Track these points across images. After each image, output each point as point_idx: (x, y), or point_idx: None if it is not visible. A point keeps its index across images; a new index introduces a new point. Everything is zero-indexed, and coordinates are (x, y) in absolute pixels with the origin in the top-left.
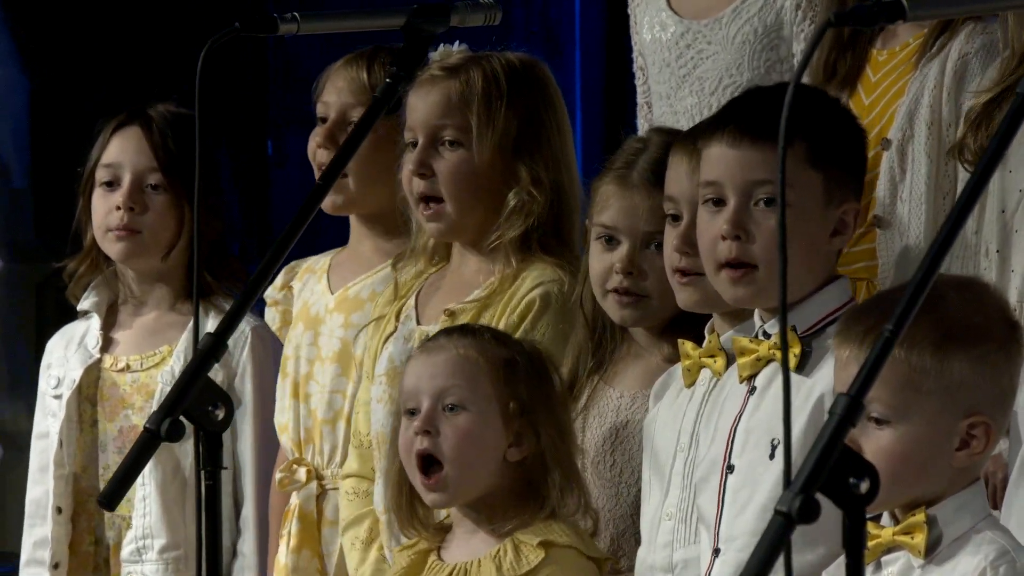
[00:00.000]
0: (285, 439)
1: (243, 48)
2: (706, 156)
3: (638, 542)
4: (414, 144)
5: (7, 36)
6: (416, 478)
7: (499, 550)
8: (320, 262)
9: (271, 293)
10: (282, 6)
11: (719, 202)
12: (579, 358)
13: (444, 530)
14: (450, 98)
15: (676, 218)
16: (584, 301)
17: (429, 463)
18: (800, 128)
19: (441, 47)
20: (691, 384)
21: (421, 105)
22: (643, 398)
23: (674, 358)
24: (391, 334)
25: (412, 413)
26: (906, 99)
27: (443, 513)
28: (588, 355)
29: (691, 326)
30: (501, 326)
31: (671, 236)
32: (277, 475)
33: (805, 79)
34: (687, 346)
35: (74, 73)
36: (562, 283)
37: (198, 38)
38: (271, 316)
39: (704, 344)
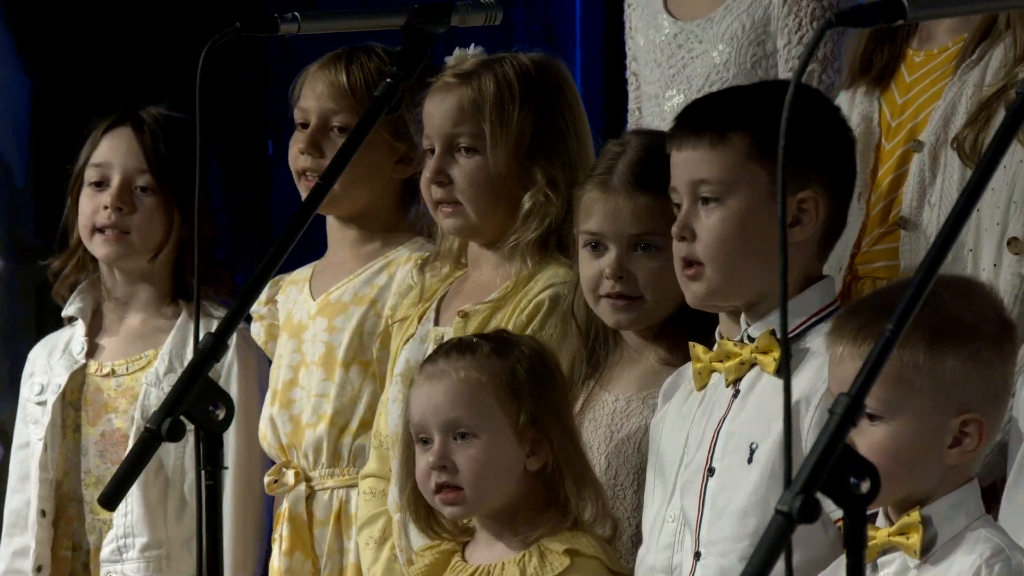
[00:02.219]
0: (264, 445)
1: (243, 48)
2: (670, 162)
3: (635, 544)
4: (432, 151)
5: (7, 35)
6: (434, 501)
7: (524, 555)
8: (302, 273)
9: (256, 308)
10: (282, 6)
11: (679, 207)
12: (573, 365)
13: (467, 531)
14: (463, 105)
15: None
16: (577, 309)
17: (448, 488)
18: (740, 122)
19: (456, 51)
20: (702, 387)
21: (436, 112)
22: (638, 401)
23: (668, 360)
24: (412, 336)
25: (425, 443)
26: (943, 103)
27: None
28: (582, 362)
29: (684, 328)
30: (510, 326)
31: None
32: (265, 479)
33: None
34: (698, 349)
35: (75, 72)
36: (573, 285)
37: (198, 38)
38: (256, 330)
39: (715, 348)
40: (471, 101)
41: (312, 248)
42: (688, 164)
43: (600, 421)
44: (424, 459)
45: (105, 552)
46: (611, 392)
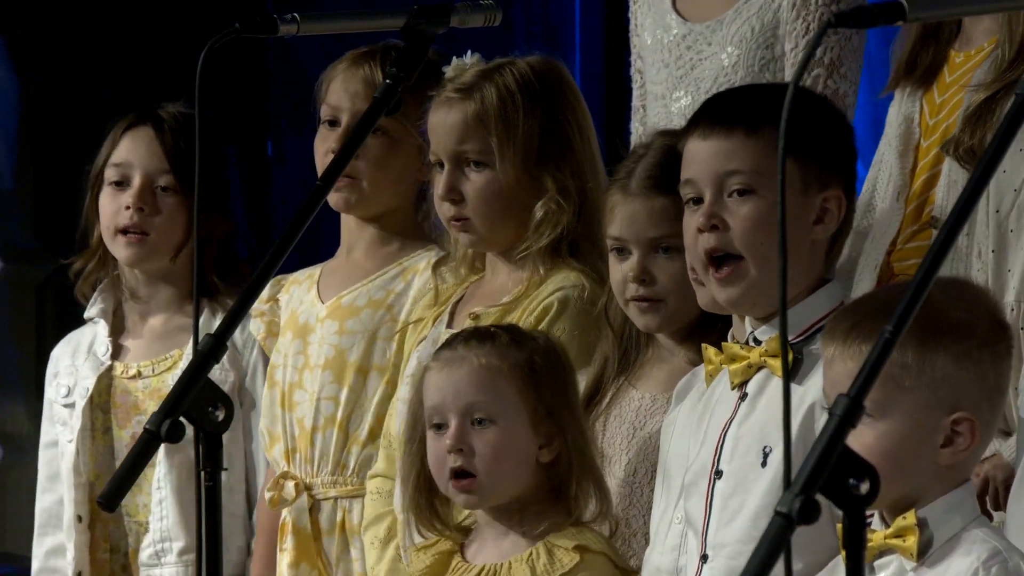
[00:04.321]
0: (277, 449)
1: (243, 48)
2: (684, 156)
3: (648, 543)
4: (440, 166)
5: None
6: (448, 488)
7: (531, 553)
8: (307, 274)
9: (257, 305)
10: (282, 6)
11: (698, 200)
12: (605, 366)
13: (464, 531)
14: (467, 120)
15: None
16: (611, 312)
17: (463, 475)
18: (771, 117)
19: (454, 61)
20: None
21: (441, 129)
22: (663, 401)
23: (697, 361)
24: (425, 338)
25: (439, 427)
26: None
27: (464, 513)
28: (614, 363)
29: (715, 329)
30: None
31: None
32: (266, 494)
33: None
34: (710, 351)
35: (69, 74)
36: (583, 289)
37: (198, 39)
38: (256, 326)
39: (723, 361)
40: (475, 115)
41: (313, 248)
42: (717, 155)
43: (625, 418)
44: (440, 443)
45: (143, 556)
46: (639, 389)
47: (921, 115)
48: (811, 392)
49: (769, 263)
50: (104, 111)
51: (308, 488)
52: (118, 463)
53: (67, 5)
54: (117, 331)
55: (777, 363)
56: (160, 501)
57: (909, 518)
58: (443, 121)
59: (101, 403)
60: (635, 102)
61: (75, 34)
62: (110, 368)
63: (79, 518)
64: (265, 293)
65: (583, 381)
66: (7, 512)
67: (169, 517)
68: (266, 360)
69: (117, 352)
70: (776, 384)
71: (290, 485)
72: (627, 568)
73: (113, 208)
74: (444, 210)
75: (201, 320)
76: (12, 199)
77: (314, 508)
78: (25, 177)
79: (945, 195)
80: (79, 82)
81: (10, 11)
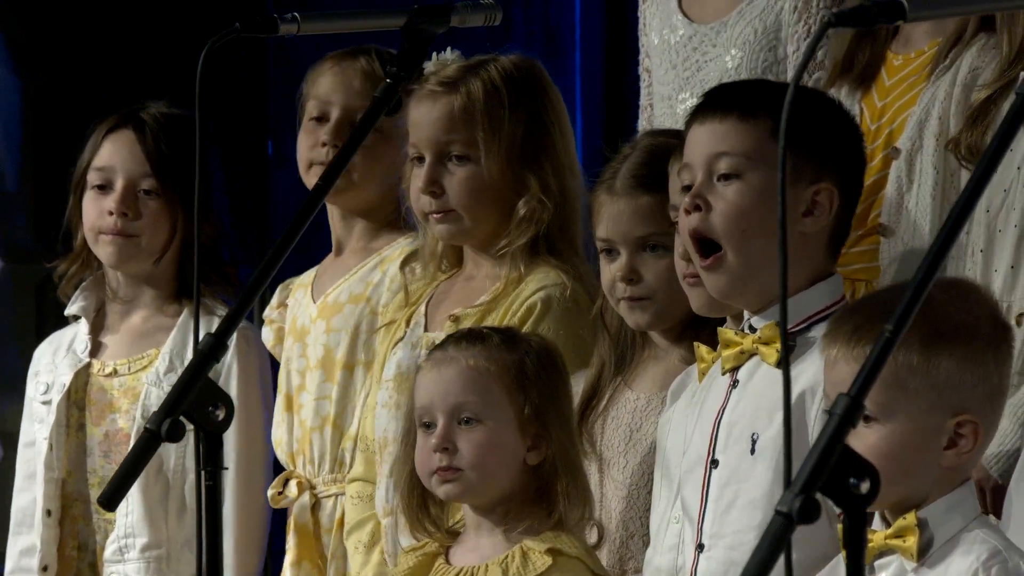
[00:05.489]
0: (280, 452)
1: (243, 48)
2: (685, 145)
3: (646, 545)
4: (419, 159)
5: None
6: (431, 482)
7: (507, 556)
8: (310, 276)
9: (268, 312)
10: (282, 6)
11: (686, 189)
12: (603, 369)
13: (454, 534)
14: (453, 114)
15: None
16: (607, 315)
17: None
18: (767, 105)
19: (434, 56)
20: None
21: (424, 122)
22: (658, 401)
23: (690, 360)
24: (400, 339)
25: (428, 427)
26: (917, 109)
27: (457, 515)
28: (611, 366)
29: (708, 327)
30: None
31: (677, 243)
32: (269, 492)
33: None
34: (702, 349)
35: (68, 74)
36: (564, 287)
37: (198, 38)
38: (267, 335)
39: (719, 348)
40: (461, 108)
41: (316, 248)
42: (711, 136)
43: (621, 419)
44: (427, 442)
45: (108, 552)
46: (634, 390)
47: (862, 118)
48: (800, 380)
49: (750, 250)
50: (104, 111)
51: (312, 487)
52: (89, 460)
53: (67, 5)
54: (98, 329)
55: (769, 351)
56: (126, 497)
57: (909, 518)
58: (427, 114)
59: (77, 400)
60: (643, 100)
61: (75, 34)
62: (88, 365)
63: (48, 512)
64: (275, 300)
65: (577, 382)
66: (6, 512)
67: (134, 513)
68: (240, 361)
69: (96, 350)
70: (765, 370)
71: (292, 484)
72: (604, 574)
73: (96, 211)
74: (423, 203)
75: (179, 321)
76: (14, 200)
77: (317, 506)
78: (26, 178)
79: (892, 201)
80: (79, 82)
81: (10, 11)
